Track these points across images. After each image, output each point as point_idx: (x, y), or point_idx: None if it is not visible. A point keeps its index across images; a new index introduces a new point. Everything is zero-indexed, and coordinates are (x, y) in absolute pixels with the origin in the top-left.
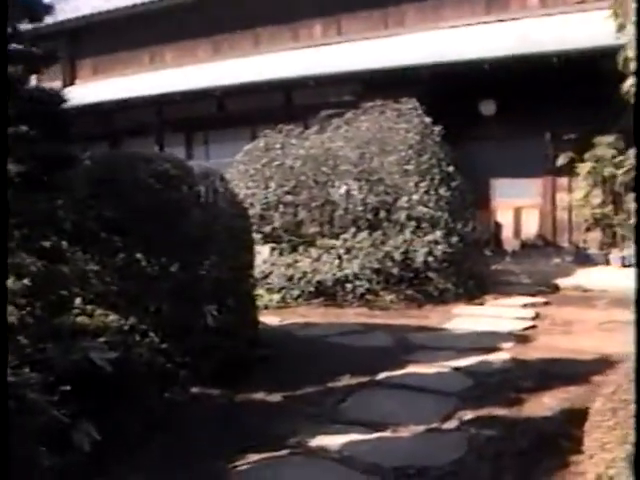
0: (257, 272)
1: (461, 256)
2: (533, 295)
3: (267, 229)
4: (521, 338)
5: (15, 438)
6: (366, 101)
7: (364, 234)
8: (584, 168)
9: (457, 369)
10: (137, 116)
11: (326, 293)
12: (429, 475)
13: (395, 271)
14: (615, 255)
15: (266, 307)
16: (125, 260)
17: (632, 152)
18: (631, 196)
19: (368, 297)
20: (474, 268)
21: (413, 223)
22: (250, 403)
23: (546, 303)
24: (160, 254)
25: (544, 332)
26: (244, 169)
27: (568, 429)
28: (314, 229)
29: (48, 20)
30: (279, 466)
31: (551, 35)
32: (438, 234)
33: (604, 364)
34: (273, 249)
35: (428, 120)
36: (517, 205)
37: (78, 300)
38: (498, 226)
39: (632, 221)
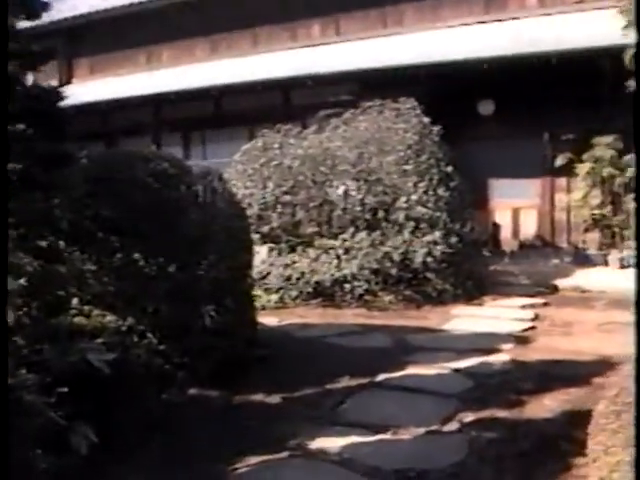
0: (255, 272)
1: (460, 257)
2: (532, 296)
3: (265, 229)
4: (521, 339)
5: (11, 440)
6: (364, 101)
7: (362, 234)
8: (583, 169)
9: (457, 370)
10: (134, 115)
11: (324, 293)
12: (430, 478)
13: (394, 271)
14: (614, 256)
15: (264, 308)
16: (123, 260)
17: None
18: (630, 196)
19: (366, 298)
20: (473, 269)
21: (412, 223)
22: (249, 404)
23: (545, 304)
24: (158, 254)
25: (543, 333)
26: (242, 169)
27: (569, 431)
28: (312, 229)
29: (45, 19)
30: (279, 468)
31: (550, 35)
32: (437, 234)
33: (604, 365)
34: (271, 249)
35: (427, 120)
36: (515, 205)
37: (75, 300)
38: (496, 227)
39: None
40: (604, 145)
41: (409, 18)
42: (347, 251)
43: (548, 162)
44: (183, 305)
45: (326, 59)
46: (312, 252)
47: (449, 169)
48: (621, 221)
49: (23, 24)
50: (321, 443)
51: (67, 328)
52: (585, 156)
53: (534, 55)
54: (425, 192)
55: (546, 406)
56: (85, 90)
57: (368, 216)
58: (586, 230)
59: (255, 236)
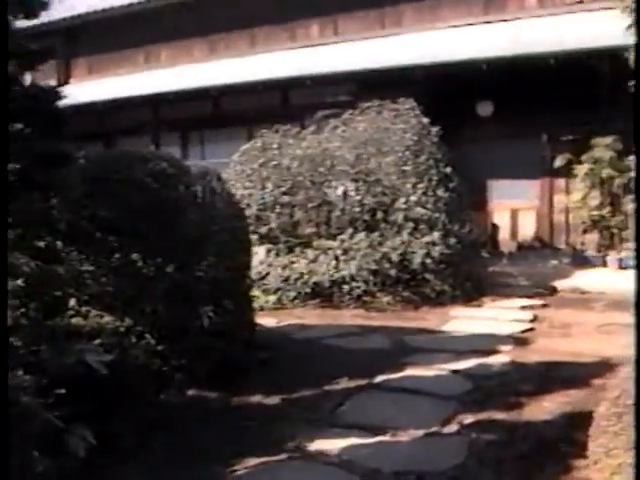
0: (253, 273)
1: (458, 258)
2: (531, 297)
3: (264, 230)
4: (520, 341)
5: (8, 442)
6: (363, 101)
7: (361, 235)
8: (582, 170)
9: (456, 372)
10: (132, 116)
11: (323, 294)
12: None
13: (392, 272)
14: (612, 257)
15: (262, 308)
16: (121, 260)
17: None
18: (629, 198)
19: (365, 299)
20: (471, 270)
21: (411, 224)
22: (247, 406)
23: (544, 305)
24: (156, 254)
25: (543, 335)
26: (241, 169)
27: (569, 433)
28: (311, 230)
29: (43, 18)
30: (277, 470)
31: (549, 35)
32: (435, 235)
33: (604, 367)
34: (269, 250)
35: (425, 121)
36: (514, 207)
37: (73, 301)
38: (495, 228)
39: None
40: (603, 146)
41: (408, 18)
42: (346, 252)
43: (547, 163)
44: (181, 306)
45: (325, 59)
46: (310, 253)
47: (448, 170)
48: (620, 222)
49: (21, 23)
50: (320, 445)
51: (65, 329)
52: (584, 157)
53: (533, 56)
54: (424, 193)
55: (545, 408)
56: (83, 90)
57: (367, 217)
58: (585, 231)
59: (253, 237)
